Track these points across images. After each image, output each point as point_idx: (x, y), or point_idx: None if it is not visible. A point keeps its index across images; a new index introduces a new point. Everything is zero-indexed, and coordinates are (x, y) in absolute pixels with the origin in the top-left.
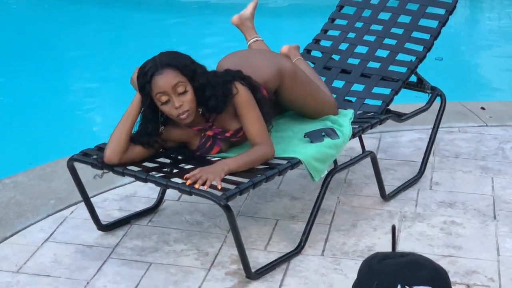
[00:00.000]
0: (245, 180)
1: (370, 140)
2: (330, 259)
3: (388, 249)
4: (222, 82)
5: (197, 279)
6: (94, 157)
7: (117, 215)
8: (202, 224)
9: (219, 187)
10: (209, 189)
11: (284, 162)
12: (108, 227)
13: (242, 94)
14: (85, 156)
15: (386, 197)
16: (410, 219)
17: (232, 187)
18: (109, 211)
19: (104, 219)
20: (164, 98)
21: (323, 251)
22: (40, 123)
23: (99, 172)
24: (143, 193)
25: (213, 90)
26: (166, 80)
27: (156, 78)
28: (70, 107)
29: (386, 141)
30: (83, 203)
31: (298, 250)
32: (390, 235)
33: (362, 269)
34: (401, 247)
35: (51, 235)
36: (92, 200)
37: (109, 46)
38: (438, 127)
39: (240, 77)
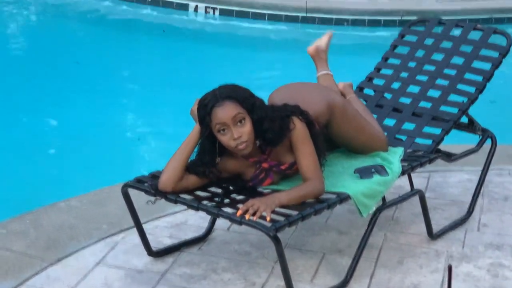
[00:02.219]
0: (294, 213)
1: (419, 179)
2: None
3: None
4: (280, 116)
5: None
6: (148, 184)
7: (167, 242)
8: (250, 254)
9: (268, 218)
10: (258, 220)
11: (333, 196)
12: (158, 254)
13: (299, 129)
14: (139, 183)
15: (433, 236)
16: (457, 259)
17: (281, 218)
18: (159, 238)
19: (155, 245)
20: (223, 129)
21: (369, 286)
22: (95, 149)
23: (152, 198)
24: (194, 221)
25: (271, 123)
26: (225, 111)
27: (216, 110)
28: (125, 134)
29: (435, 181)
30: (134, 229)
31: (343, 284)
32: (436, 275)
33: None
34: None
35: (102, 258)
36: (143, 226)
37: (167, 76)
38: (487, 169)
39: (298, 112)
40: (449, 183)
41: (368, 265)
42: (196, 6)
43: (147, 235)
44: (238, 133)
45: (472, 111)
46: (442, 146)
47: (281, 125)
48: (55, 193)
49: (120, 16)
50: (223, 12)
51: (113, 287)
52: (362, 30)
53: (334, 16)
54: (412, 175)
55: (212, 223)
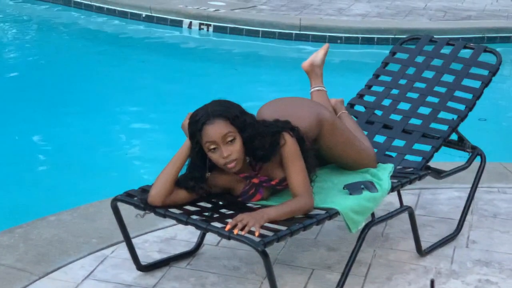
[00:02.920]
0: (283, 228)
1: (409, 196)
2: None
3: None
4: (271, 132)
5: None
6: (138, 198)
7: (157, 256)
8: (239, 269)
9: (257, 233)
10: (247, 235)
11: (322, 212)
12: (147, 268)
13: (289, 145)
14: (128, 197)
15: (422, 252)
16: (445, 275)
17: (270, 234)
18: (149, 252)
19: (144, 260)
20: (213, 147)
21: None
22: (86, 163)
23: (141, 212)
24: (183, 236)
25: (261, 140)
26: (216, 130)
27: (206, 127)
28: (115, 148)
29: (425, 198)
30: (124, 243)
31: None
32: None
33: None
34: None
35: (91, 272)
36: (132, 241)
37: (160, 91)
38: (476, 186)
39: (289, 128)
40: (439, 200)
41: (357, 281)
42: (190, 23)
43: (137, 250)
44: (227, 152)
45: (462, 129)
46: (432, 163)
47: (271, 141)
48: (47, 207)
49: (114, 32)
50: (217, 29)
51: None
52: (355, 47)
53: (327, 34)
54: (402, 192)
55: (202, 238)
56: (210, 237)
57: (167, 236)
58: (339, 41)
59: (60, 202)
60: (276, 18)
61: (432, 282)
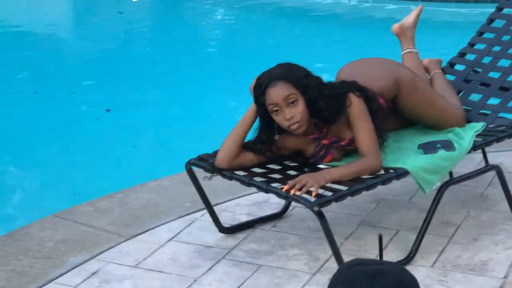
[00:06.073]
0: (345, 188)
1: None
2: (439, 271)
3: (505, 264)
4: (336, 94)
5: (299, 283)
6: (210, 161)
7: (244, 219)
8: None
9: (314, 193)
10: (304, 195)
11: (391, 172)
12: (230, 230)
13: (355, 106)
14: (200, 161)
15: None
16: None
17: (329, 194)
18: (237, 215)
19: (231, 222)
20: (276, 109)
21: (434, 262)
22: (190, 130)
23: (208, 174)
24: (276, 199)
25: (326, 101)
26: (278, 92)
27: (269, 90)
28: (220, 116)
29: None
30: (215, 207)
31: (407, 260)
32: (510, 251)
33: (336, 271)
34: None
35: (176, 235)
36: (225, 204)
37: (319, 57)
38: None
39: (355, 88)
40: None
41: (441, 241)
42: None
43: (226, 213)
44: (290, 114)
45: None
46: None
47: (337, 103)
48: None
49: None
50: None
51: (178, 261)
52: None
53: None
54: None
55: (289, 201)
56: None
57: (259, 199)
58: None
59: (163, 168)
60: None
61: (380, 237)
